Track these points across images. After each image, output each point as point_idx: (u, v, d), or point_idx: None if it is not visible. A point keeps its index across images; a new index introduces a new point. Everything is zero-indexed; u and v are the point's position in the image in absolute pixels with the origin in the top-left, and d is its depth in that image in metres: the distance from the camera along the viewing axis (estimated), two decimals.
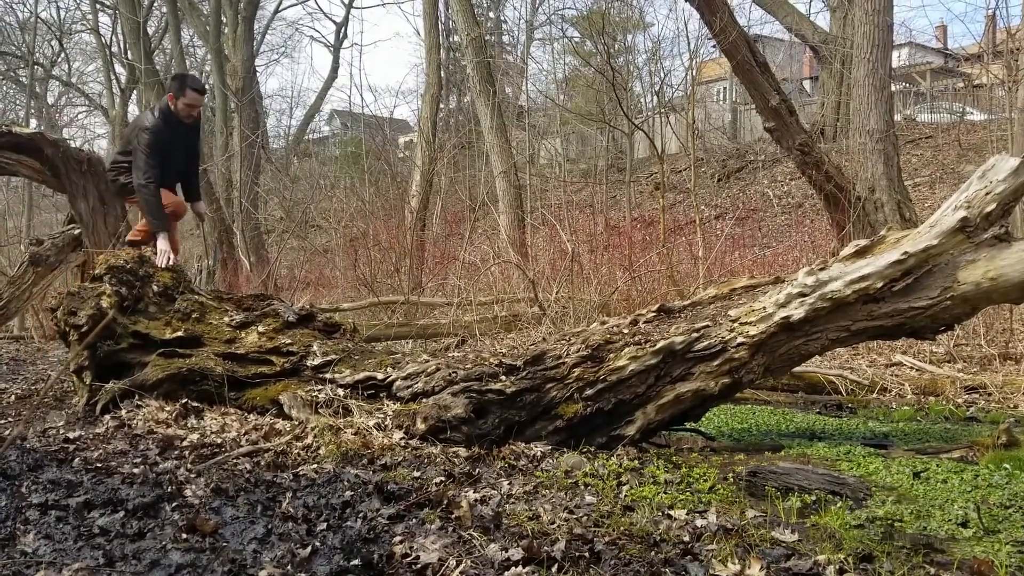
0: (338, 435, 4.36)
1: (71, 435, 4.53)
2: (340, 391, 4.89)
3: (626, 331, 4.83)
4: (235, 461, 3.96)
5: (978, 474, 3.88)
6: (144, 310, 5.54)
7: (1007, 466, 4.00)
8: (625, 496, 3.51)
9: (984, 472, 3.92)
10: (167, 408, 4.94)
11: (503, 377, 4.61)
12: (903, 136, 19.37)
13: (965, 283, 4.48)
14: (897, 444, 4.96)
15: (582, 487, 3.66)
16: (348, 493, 3.38)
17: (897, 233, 4.83)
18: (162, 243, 5.86)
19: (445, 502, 3.21)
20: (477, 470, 3.92)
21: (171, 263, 5.77)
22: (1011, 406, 6.46)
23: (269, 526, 2.92)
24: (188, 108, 5.93)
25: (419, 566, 2.56)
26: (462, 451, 4.24)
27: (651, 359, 4.61)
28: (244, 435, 4.51)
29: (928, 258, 4.56)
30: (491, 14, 32.60)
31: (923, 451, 4.63)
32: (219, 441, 4.37)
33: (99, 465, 3.81)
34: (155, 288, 5.62)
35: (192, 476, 3.62)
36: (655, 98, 21.20)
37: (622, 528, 2.99)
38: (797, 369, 6.39)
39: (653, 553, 2.72)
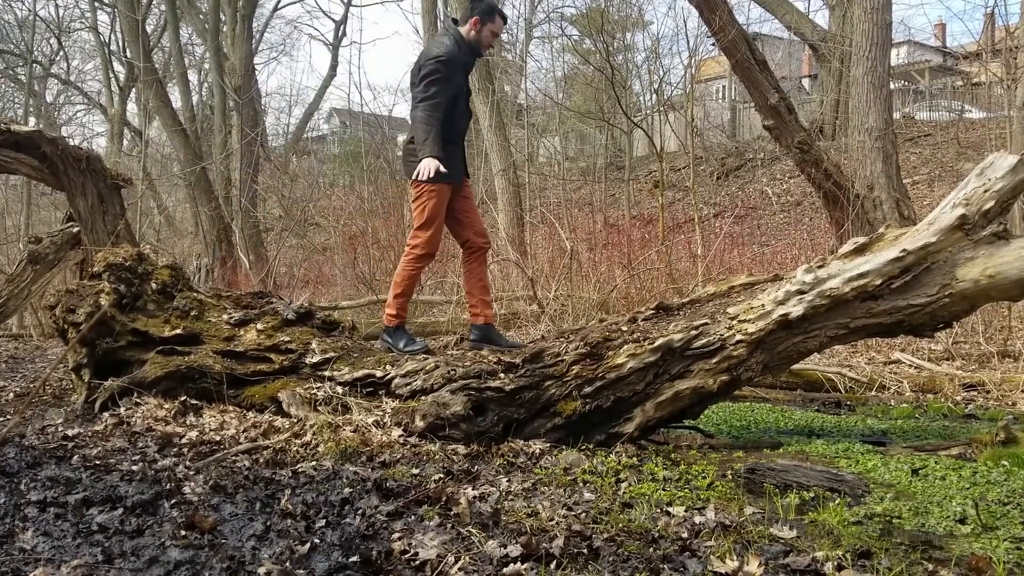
0: (337, 432, 4.36)
1: (70, 432, 4.53)
2: (339, 389, 4.89)
3: (625, 329, 4.83)
4: (234, 458, 3.96)
5: (976, 471, 3.89)
6: (143, 308, 5.54)
7: (1005, 463, 4.01)
8: (624, 493, 3.51)
9: (982, 469, 3.92)
10: (166, 405, 4.94)
11: (502, 375, 4.61)
12: (902, 134, 19.38)
13: (964, 280, 4.48)
14: (895, 441, 4.96)
15: (581, 484, 3.67)
16: (347, 490, 3.38)
17: (896, 231, 4.83)
18: (428, 161, 4.85)
19: (444, 499, 3.21)
20: (476, 467, 3.92)
21: (432, 175, 4.84)
22: (1009, 403, 6.46)
23: (268, 523, 2.92)
24: (492, 37, 5.11)
25: (418, 563, 2.56)
26: (461, 448, 4.24)
27: (650, 357, 4.61)
28: (243, 432, 4.51)
29: (927, 255, 4.56)
30: None
31: (921, 448, 4.63)
32: (218, 438, 4.38)
33: (98, 462, 3.81)
34: (154, 286, 5.62)
35: (191, 473, 3.62)
36: (654, 96, 21.19)
37: (621, 525, 3.00)
38: (796, 367, 6.39)
39: (652, 550, 2.73)
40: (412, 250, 5.18)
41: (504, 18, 5.11)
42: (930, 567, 2.63)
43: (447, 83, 4.87)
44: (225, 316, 5.51)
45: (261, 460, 3.97)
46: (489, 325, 5.26)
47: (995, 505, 3.36)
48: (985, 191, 4.53)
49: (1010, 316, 8.90)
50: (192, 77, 28.27)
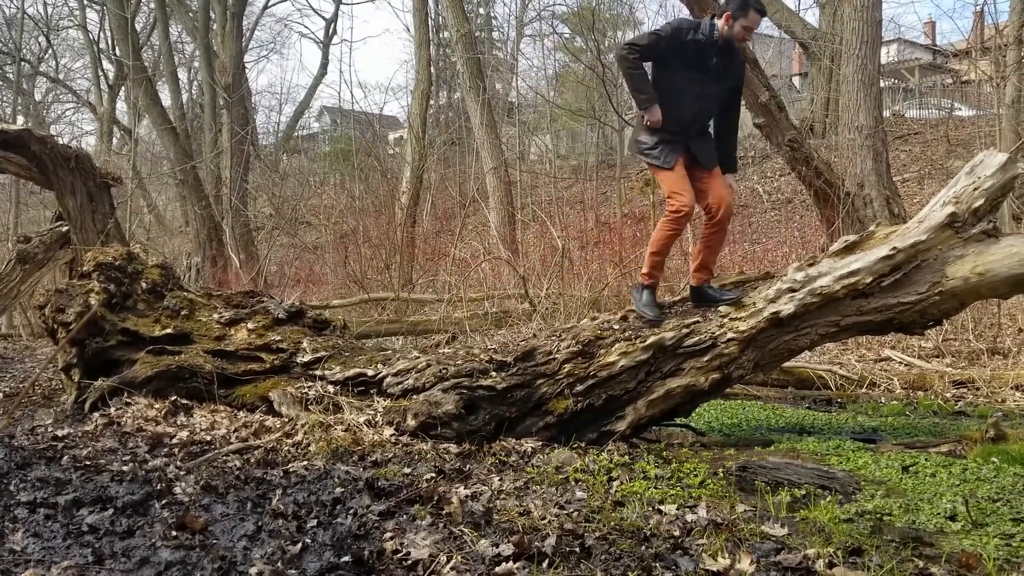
0: (328, 432, 4.35)
1: (60, 433, 4.51)
2: (330, 388, 4.88)
3: (616, 327, 4.83)
4: (225, 458, 3.95)
5: (966, 468, 3.90)
6: (133, 307, 5.52)
7: (995, 460, 4.02)
8: (616, 491, 3.52)
9: (972, 466, 3.94)
10: (156, 405, 4.92)
11: (493, 373, 4.61)
12: (892, 132, 19.43)
13: (953, 278, 4.50)
14: (886, 438, 4.98)
15: (573, 483, 3.67)
16: (338, 490, 3.38)
17: (886, 229, 4.85)
18: (652, 114, 4.80)
19: (436, 498, 3.21)
20: (468, 466, 3.92)
21: (653, 120, 4.77)
22: (999, 400, 6.49)
23: (259, 523, 2.91)
24: (745, 32, 4.83)
25: (410, 562, 2.55)
26: (453, 447, 4.24)
27: (641, 355, 4.62)
28: (234, 432, 4.50)
29: (917, 253, 4.58)
30: (481, 10, 32.55)
31: (912, 445, 4.65)
32: (209, 438, 4.36)
33: (88, 463, 3.79)
34: (144, 285, 5.60)
35: (182, 473, 3.61)
36: None
37: (613, 523, 3.00)
38: (787, 364, 6.41)
39: (644, 548, 2.73)
40: (668, 213, 4.94)
41: (760, 11, 4.85)
42: (920, 564, 2.64)
43: (651, 49, 4.81)
44: (216, 315, 5.49)
45: (252, 460, 3.96)
46: (700, 286, 5.00)
47: (985, 502, 3.37)
48: (975, 189, 4.55)
49: (999, 313, 8.94)
50: (182, 75, 28.20)
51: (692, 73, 4.84)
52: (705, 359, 4.64)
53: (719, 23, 4.85)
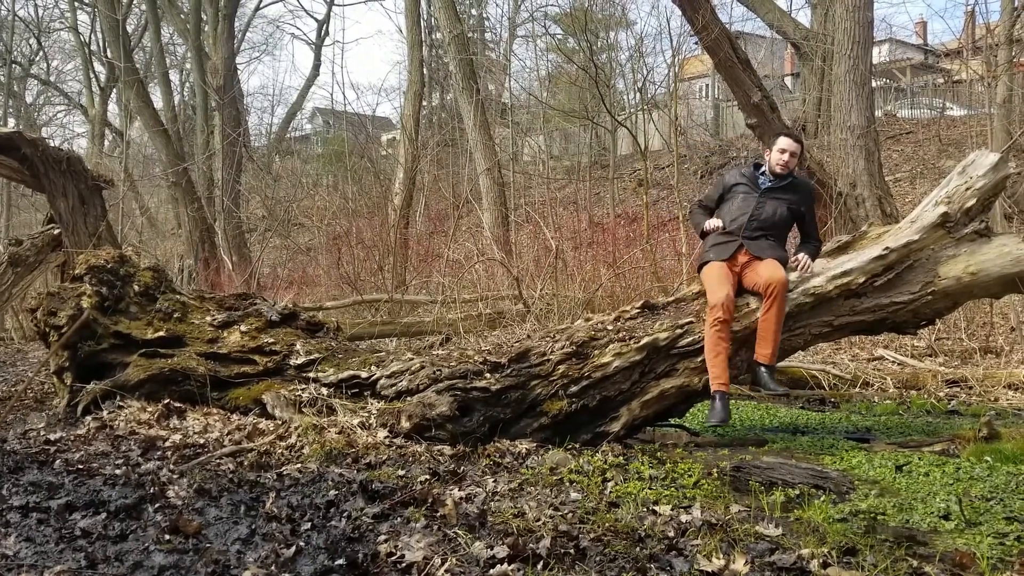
0: (322, 434, 4.34)
1: (52, 436, 4.49)
2: (324, 390, 4.87)
3: (610, 328, 4.84)
4: (218, 461, 3.94)
5: (960, 467, 3.92)
6: (125, 310, 5.50)
7: (988, 459, 4.04)
8: (610, 492, 3.51)
9: (965, 465, 3.95)
10: (149, 409, 4.90)
11: (488, 375, 4.61)
12: (884, 132, 19.47)
13: (946, 278, 4.52)
14: (879, 438, 4.99)
15: (567, 484, 3.67)
16: (332, 492, 3.37)
17: (878, 229, 4.87)
18: (709, 225, 5.14)
19: (430, 500, 3.20)
20: (462, 468, 3.91)
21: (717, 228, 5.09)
22: (992, 399, 6.51)
23: (253, 526, 2.90)
24: (779, 155, 5.05)
25: (404, 565, 2.55)
26: (447, 449, 4.23)
27: (635, 355, 4.62)
28: (227, 435, 4.48)
29: (909, 253, 4.60)
30: (473, 11, 32.53)
31: (905, 444, 4.66)
32: (202, 441, 4.35)
33: (81, 467, 3.77)
34: (136, 288, 5.57)
35: (175, 477, 3.59)
36: (638, 95, 21.21)
37: (607, 524, 3.00)
38: (780, 364, 6.41)
39: (638, 549, 2.73)
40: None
41: (788, 135, 5.23)
42: (915, 563, 2.64)
43: (709, 198, 5.36)
44: (208, 318, 5.47)
45: (246, 463, 3.94)
46: (759, 364, 4.81)
47: (978, 501, 3.38)
48: (967, 189, 4.57)
49: (992, 312, 8.98)
50: (174, 77, 28.13)
51: (747, 194, 5.13)
52: (699, 359, 4.65)
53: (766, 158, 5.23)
